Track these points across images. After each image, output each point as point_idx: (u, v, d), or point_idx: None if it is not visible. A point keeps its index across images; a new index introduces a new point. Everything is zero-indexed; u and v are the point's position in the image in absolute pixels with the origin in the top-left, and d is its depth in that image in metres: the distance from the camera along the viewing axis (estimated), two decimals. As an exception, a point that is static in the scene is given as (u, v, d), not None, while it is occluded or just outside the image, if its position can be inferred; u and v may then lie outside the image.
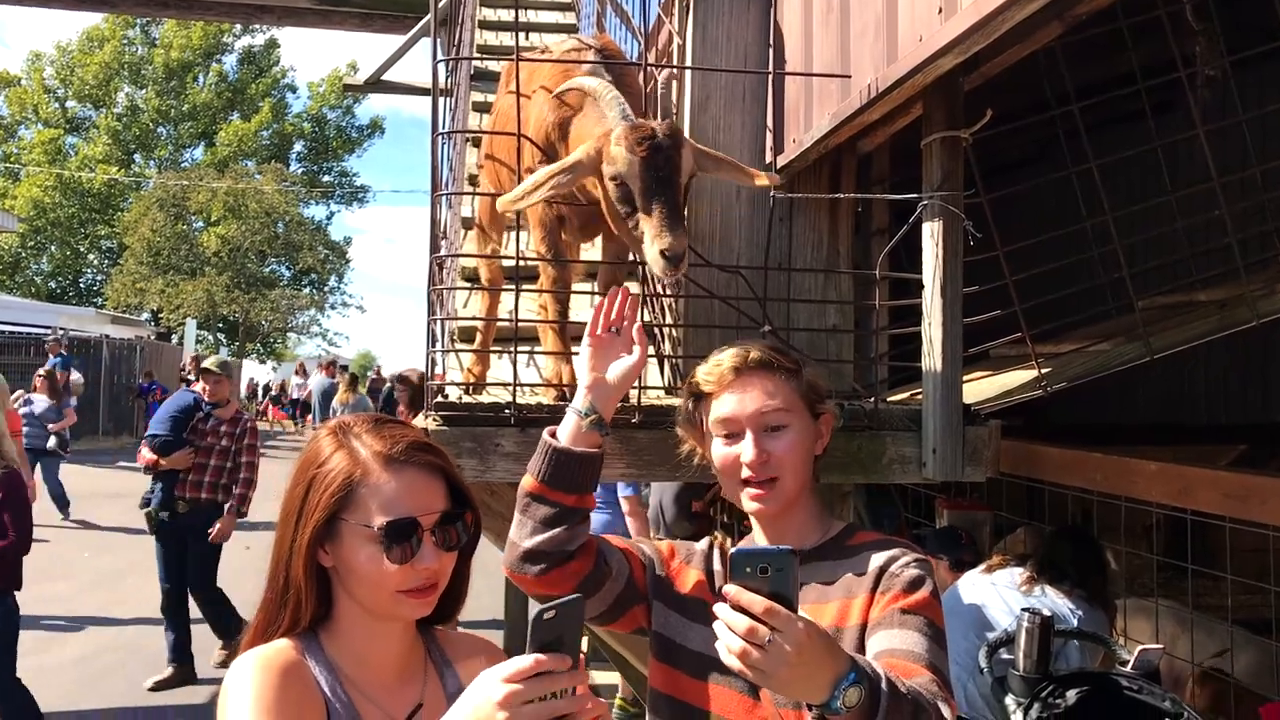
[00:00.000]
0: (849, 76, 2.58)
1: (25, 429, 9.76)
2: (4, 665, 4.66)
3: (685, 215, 2.30)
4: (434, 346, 2.79)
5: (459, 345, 3.16)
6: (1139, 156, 3.42)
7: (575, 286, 3.01)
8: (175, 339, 29.51)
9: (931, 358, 2.60)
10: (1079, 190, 3.18)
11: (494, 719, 1.05)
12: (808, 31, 2.86)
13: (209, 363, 6.65)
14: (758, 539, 1.67)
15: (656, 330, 3.22)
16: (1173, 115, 4.32)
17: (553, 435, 1.65)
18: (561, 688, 1.06)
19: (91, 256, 34.78)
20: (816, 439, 1.66)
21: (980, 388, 3.33)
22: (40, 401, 10.80)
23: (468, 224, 3.65)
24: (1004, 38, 2.08)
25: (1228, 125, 3.55)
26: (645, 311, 3.24)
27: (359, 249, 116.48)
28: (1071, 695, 2.61)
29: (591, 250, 3.34)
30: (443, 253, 2.94)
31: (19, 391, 10.84)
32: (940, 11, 2.09)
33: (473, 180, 3.94)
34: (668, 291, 3.17)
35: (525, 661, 1.06)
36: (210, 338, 34.33)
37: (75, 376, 16.59)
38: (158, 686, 5.98)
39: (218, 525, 6.15)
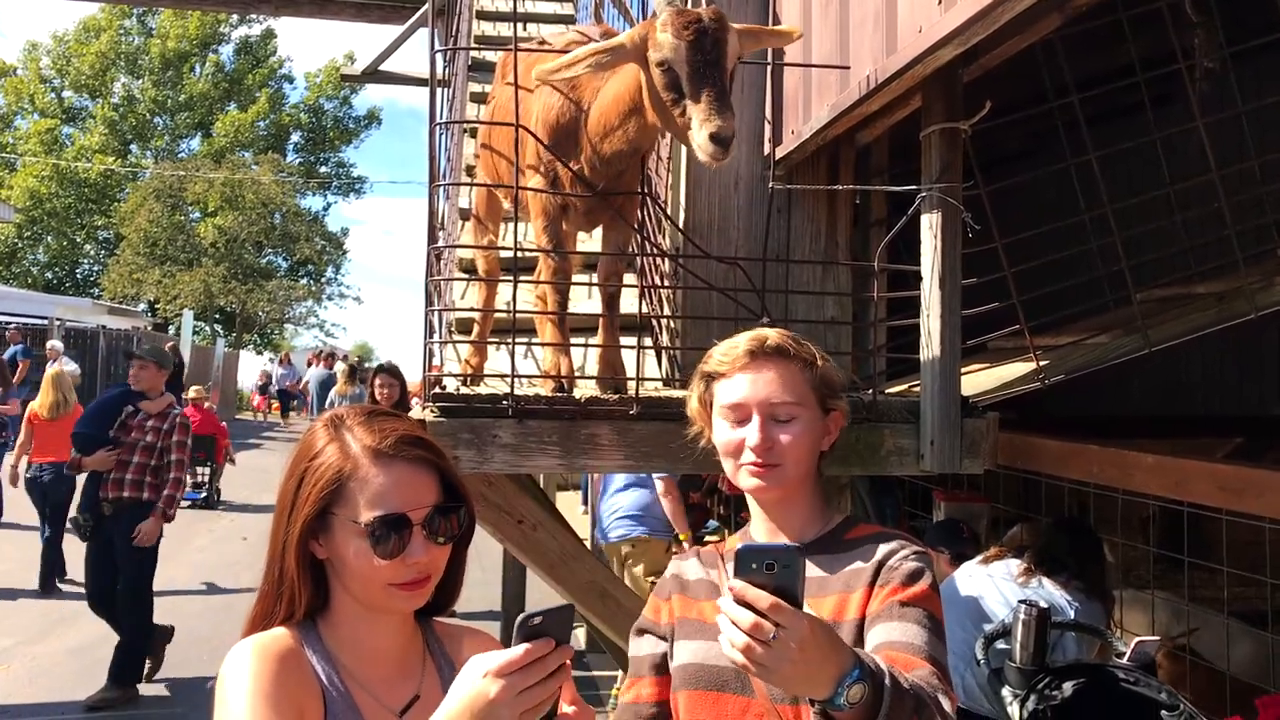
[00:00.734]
0: (848, 68, 2.58)
1: None
2: None
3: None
4: (431, 338, 2.79)
5: (456, 337, 3.16)
6: (1138, 149, 3.41)
7: (574, 278, 3.02)
8: (172, 329, 29.44)
9: (929, 350, 2.60)
10: (1078, 182, 3.18)
11: (494, 715, 1.05)
12: (807, 22, 2.85)
13: (142, 349, 6.09)
14: (756, 528, 1.67)
15: (654, 322, 3.22)
16: (1172, 107, 4.31)
17: None
18: (551, 670, 1.07)
19: (88, 247, 34.68)
20: (824, 434, 1.64)
21: (978, 380, 3.34)
22: None
23: (465, 215, 3.64)
24: (1004, 29, 2.08)
25: (1226, 118, 3.55)
26: (643, 303, 3.24)
27: (356, 240, 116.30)
28: (1068, 687, 2.61)
29: (590, 242, 3.33)
30: (440, 244, 2.93)
31: None
32: (940, 2, 2.08)
33: (470, 171, 3.93)
34: (665, 283, 3.17)
35: (514, 653, 1.06)
36: (207, 328, 34.28)
37: (72, 367, 16.56)
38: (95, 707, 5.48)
39: (142, 527, 5.57)
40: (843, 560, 1.57)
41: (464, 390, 2.70)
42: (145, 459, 5.71)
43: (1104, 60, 3.92)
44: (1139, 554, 4.12)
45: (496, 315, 3.17)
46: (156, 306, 31.08)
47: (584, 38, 2.80)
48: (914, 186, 2.62)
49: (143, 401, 5.81)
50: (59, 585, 7.85)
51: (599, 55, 2.27)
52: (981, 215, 2.63)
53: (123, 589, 5.64)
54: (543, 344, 2.78)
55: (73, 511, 5.95)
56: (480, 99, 4.54)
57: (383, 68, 7.83)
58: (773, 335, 1.66)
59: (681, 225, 3.01)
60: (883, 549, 1.55)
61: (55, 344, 17.33)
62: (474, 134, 3.94)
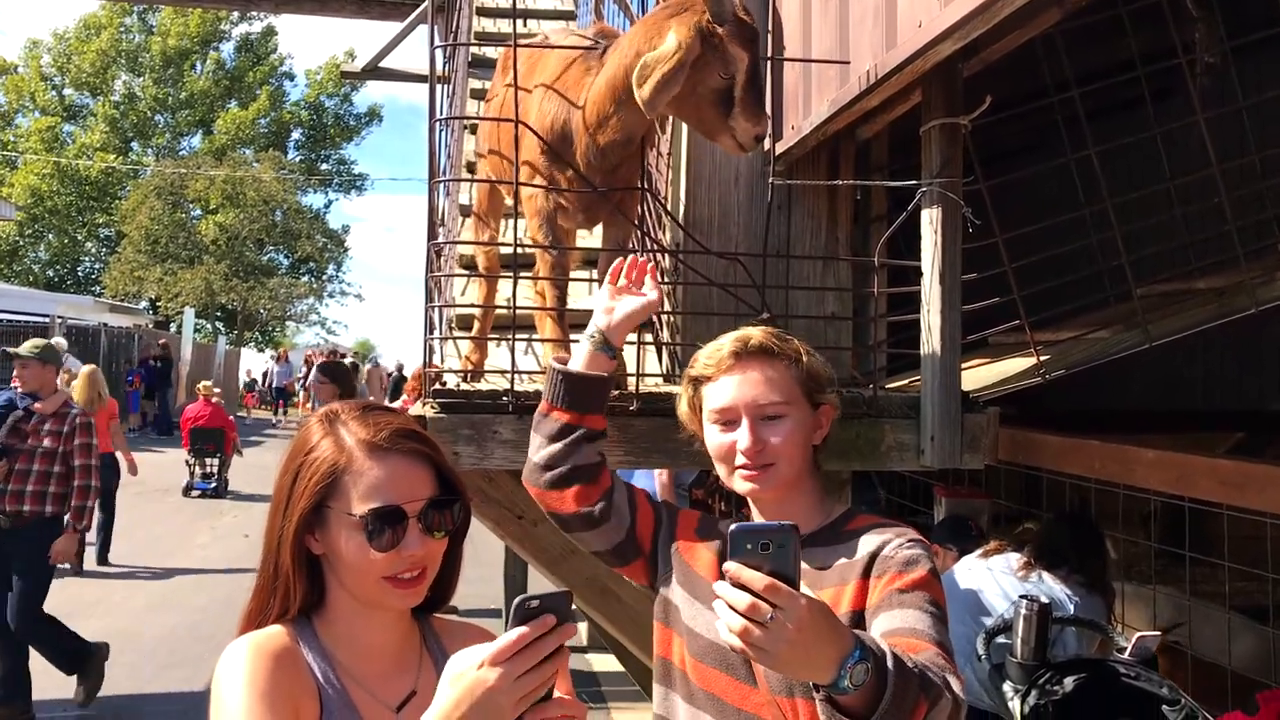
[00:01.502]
0: (848, 63, 2.57)
1: None
2: None
3: None
4: (432, 334, 2.79)
5: (457, 333, 3.16)
6: (1138, 144, 3.41)
7: (574, 274, 3.01)
8: (174, 327, 29.46)
9: (930, 345, 2.60)
10: (1078, 177, 3.18)
11: (492, 703, 1.04)
12: (807, 17, 2.85)
13: (23, 346, 5.42)
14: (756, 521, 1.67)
15: (655, 317, 3.22)
16: (1172, 102, 4.31)
17: (562, 362, 1.81)
18: (549, 650, 1.06)
19: (89, 245, 34.70)
20: (815, 429, 1.65)
21: (979, 375, 3.33)
22: None
23: (466, 211, 3.63)
24: (1003, 23, 2.07)
25: (1227, 112, 3.54)
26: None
27: (357, 237, 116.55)
28: (1069, 682, 2.62)
29: (590, 238, 3.33)
30: (440, 240, 2.93)
31: None
32: (939, -3, 2.08)
33: (470, 168, 3.93)
34: (666, 279, 3.17)
35: (510, 637, 1.05)
36: (209, 326, 34.31)
37: (74, 363, 16.57)
38: None
39: (56, 547, 5.15)
40: (839, 552, 1.57)
41: (465, 386, 2.70)
42: (46, 466, 5.18)
43: (1104, 54, 3.91)
44: (1140, 549, 4.12)
45: (497, 311, 3.17)
46: (158, 304, 31.11)
47: (581, 36, 2.80)
48: (914, 182, 2.62)
49: (35, 404, 5.30)
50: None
51: (674, 75, 2.25)
52: (982, 210, 2.63)
53: (12, 607, 5.09)
54: (542, 340, 2.78)
55: None
56: (480, 95, 4.54)
57: (383, 65, 7.81)
58: (756, 334, 1.66)
59: (682, 221, 3.01)
60: (876, 540, 1.54)
61: (59, 340, 17.34)
62: (474, 130, 3.94)
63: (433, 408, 2.44)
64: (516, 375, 2.51)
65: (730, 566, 1.10)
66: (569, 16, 6.00)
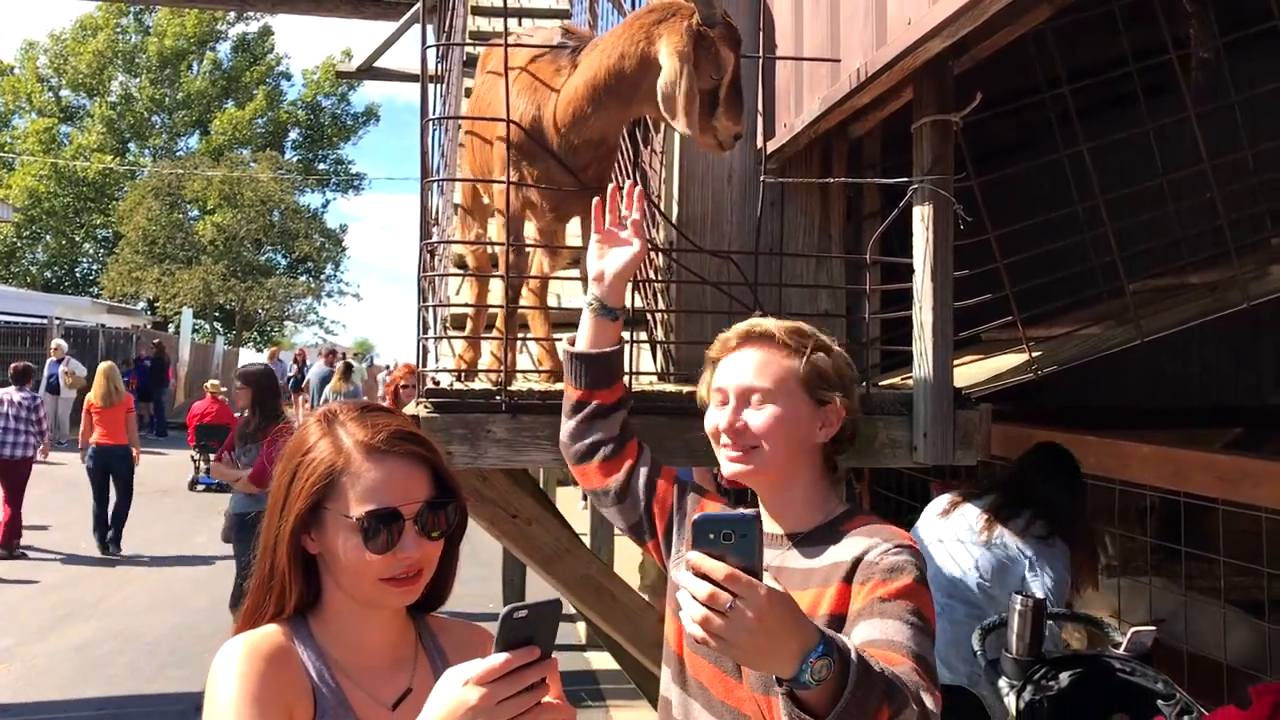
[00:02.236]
0: (839, 61, 2.58)
1: None
2: None
3: None
4: (426, 333, 2.79)
5: (451, 332, 3.16)
6: (1130, 139, 3.41)
7: (565, 273, 3.01)
8: (172, 328, 29.44)
9: (922, 341, 2.60)
10: (1070, 173, 3.18)
11: None
12: (798, 15, 2.85)
13: None
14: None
15: (648, 316, 3.22)
16: (1164, 98, 4.31)
17: (572, 342, 1.89)
18: (533, 680, 1.05)
19: (87, 246, 34.67)
20: (816, 424, 1.63)
21: (971, 371, 3.34)
22: None
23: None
24: (993, 20, 2.08)
25: (1220, 108, 3.54)
26: (636, 296, 3.24)
27: (355, 237, 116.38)
28: (1064, 677, 2.61)
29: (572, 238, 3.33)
30: (434, 239, 2.93)
31: None
32: (928, -6, 2.08)
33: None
34: (659, 278, 3.17)
35: (495, 661, 1.04)
36: (207, 326, 34.28)
37: (77, 367, 16.61)
38: None
39: None
40: (831, 553, 1.55)
41: (457, 386, 2.70)
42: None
43: (1096, 51, 3.91)
44: (1137, 545, 4.13)
45: (489, 310, 3.17)
46: (156, 305, 31.08)
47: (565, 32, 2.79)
48: (906, 179, 2.62)
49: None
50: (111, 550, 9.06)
51: (688, 90, 2.25)
52: (974, 207, 2.63)
53: None
54: (536, 339, 2.78)
55: None
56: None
57: (378, 64, 7.83)
58: (765, 323, 1.67)
59: (674, 219, 3.02)
60: (863, 544, 1.51)
61: (60, 342, 17.36)
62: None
63: (426, 407, 2.44)
64: (505, 373, 2.51)
65: (691, 556, 1.09)
66: (564, 15, 6.00)
